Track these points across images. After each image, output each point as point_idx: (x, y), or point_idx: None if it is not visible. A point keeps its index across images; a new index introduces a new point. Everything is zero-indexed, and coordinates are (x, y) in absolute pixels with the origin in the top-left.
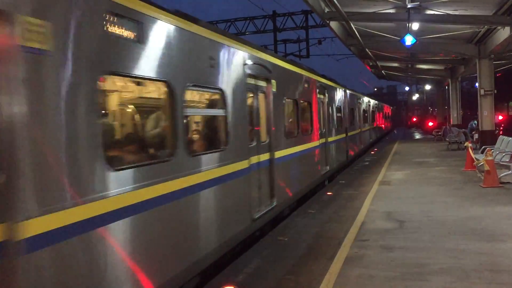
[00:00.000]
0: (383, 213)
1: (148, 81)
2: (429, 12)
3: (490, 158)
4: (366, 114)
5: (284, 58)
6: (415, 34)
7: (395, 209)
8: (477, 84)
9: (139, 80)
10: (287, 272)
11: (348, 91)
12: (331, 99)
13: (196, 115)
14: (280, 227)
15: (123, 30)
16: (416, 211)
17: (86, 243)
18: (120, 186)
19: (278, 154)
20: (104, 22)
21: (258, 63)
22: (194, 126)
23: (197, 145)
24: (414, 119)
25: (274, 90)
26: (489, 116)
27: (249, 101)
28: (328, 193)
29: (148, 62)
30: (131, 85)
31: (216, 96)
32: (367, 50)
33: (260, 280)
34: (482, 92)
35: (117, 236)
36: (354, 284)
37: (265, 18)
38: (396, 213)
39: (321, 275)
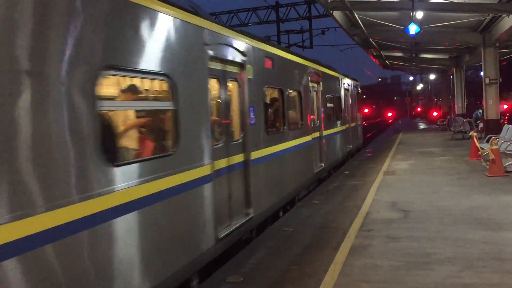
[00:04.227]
0: (388, 203)
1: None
2: (433, 0)
3: (495, 147)
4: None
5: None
6: (419, 23)
7: (399, 199)
8: (481, 73)
9: None
10: (292, 262)
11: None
12: None
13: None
14: (284, 218)
15: None
16: (421, 201)
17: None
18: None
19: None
20: None
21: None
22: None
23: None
24: (419, 109)
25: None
26: (494, 105)
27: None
28: (333, 184)
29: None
30: None
31: None
32: (370, 39)
33: (265, 271)
34: (487, 81)
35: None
36: (359, 273)
37: (268, 9)
38: (401, 203)
39: (326, 265)
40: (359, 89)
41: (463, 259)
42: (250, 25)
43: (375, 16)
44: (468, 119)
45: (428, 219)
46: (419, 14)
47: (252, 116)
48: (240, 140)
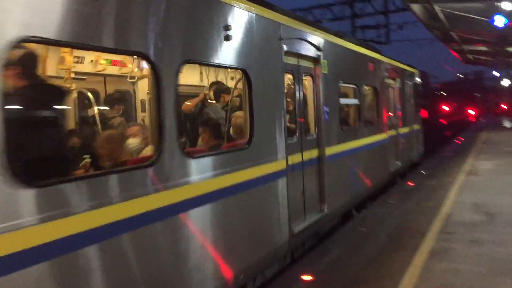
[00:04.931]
0: (471, 205)
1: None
2: None
3: None
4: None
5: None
6: (508, 14)
7: (484, 201)
8: None
9: None
10: (368, 262)
11: None
12: None
13: None
14: (359, 217)
15: None
16: (508, 204)
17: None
18: None
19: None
20: None
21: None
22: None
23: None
24: (504, 107)
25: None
26: None
27: None
28: (409, 183)
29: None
30: None
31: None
32: (451, 33)
33: (339, 270)
34: None
35: None
36: (440, 278)
37: (342, 5)
38: (485, 205)
39: (403, 267)
40: (418, 80)
41: None
42: (324, 21)
43: (457, 8)
44: None
45: None
46: (507, 5)
47: None
48: None
